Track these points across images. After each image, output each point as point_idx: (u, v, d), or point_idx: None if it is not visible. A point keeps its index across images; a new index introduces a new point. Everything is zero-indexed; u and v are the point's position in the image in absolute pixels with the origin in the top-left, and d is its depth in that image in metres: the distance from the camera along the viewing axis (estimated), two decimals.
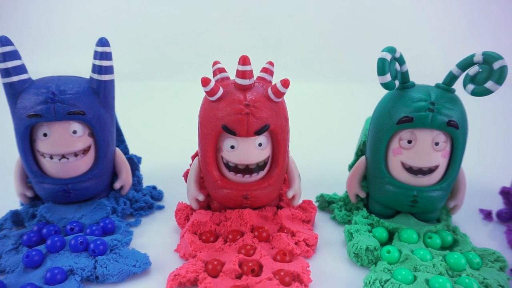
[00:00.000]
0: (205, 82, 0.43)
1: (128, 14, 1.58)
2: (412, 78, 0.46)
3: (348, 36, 1.48)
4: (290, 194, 0.51)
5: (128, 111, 1.06)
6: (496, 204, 0.59)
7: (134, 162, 0.58)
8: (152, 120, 1.03)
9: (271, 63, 0.50)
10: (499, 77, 0.41)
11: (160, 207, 0.57)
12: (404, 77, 0.46)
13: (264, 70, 0.49)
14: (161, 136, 0.88)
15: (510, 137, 0.69)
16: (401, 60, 0.45)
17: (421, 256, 0.42)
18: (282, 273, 0.39)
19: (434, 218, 0.50)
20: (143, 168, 0.63)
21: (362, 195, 0.53)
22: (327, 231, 0.52)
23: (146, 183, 0.62)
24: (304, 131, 0.92)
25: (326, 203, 0.57)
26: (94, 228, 0.47)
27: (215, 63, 0.50)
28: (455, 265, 0.42)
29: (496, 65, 0.41)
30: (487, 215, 0.56)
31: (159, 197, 0.60)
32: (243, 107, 0.43)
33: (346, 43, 1.47)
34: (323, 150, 0.78)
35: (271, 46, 1.48)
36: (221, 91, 0.44)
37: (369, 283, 0.39)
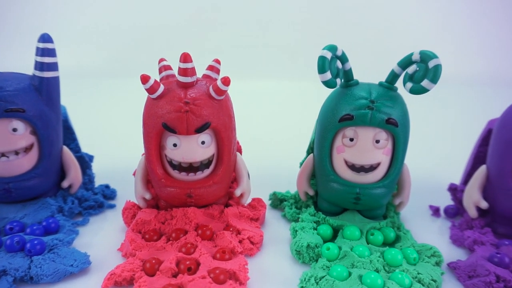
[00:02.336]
0: (144, 79, 0.43)
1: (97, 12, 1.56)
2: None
3: (309, 34, 1.48)
4: (238, 192, 0.51)
5: (84, 109, 1.06)
6: (447, 201, 0.60)
7: (85, 161, 0.58)
8: (109, 118, 1.02)
9: (217, 61, 0.50)
10: (434, 75, 0.42)
11: (111, 206, 0.57)
12: (347, 75, 0.47)
13: (210, 68, 0.49)
14: (118, 134, 0.87)
15: (460, 135, 0.71)
16: (343, 58, 0.46)
17: (359, 253, 0.43)
18: (217, 271, 0.39)
19: (380, 215, 0.51)
20: (97, 166, 0.62)
21: (311, 192, 0.53)
22: (277, 229, 0.53)
23: (100, 181, 0.61)
24: (259, 128, 0.93)
25: (278, 201, 0.57)
26: (35, 227, 0.46)
27: (161, 60, 0.49)
28: (392, 261, 0.42)
29: (431, 64, 0.42)
30: (435, 211, 0.57)
31: (112, 196, 0.59)
32: (182, 105, 0.43)
33: (300, 41, 1.47)
34: (278, 148, 0.78)
35: (241, 47, 1.48)
36: (161, 88, 0.44)
37: (305, 280, 0.40)
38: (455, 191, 0.58)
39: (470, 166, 0.56)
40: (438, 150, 0.84)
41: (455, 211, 0.56)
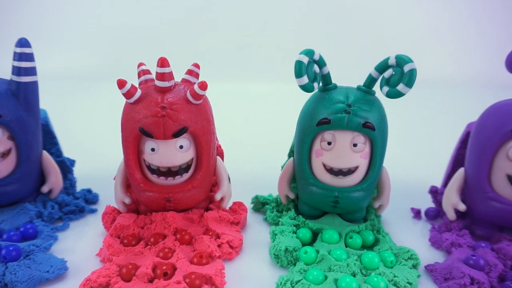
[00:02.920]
0: (120, 84, 0.43)
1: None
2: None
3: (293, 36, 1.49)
4: (218, 196, 0.51)
5: (67, 113, 1.05)
6: (428, 203, 0.60)
7: (66, 165, 0.57)
8: (94, 122, 1.02)
9: (196, 65, 0.50)
10: (409, 80, 0.42)
11: (93, 211, 0.56)
12: (325, 79, 0.47)
13: (189, 72, 0.49)
14: (101, 138, 0.87)
15: (442, 138, 0.71)
16: (321, 63, 0.46)
17: (337, 256, 0.43)
18: (193, 276, 0.39)
19: (360, 218, 0.51)
20: (80, 171, 0.62)
21: (292, 196, 0.53)
22: (258, 233, 0.53)
23: (83, 186, 0.61)
24: (243, 131, 0.94)
25: (261, 204, 0.57)
26: (12, 233, 0.46)
27: (140, 64, 0.49)
28: (369, 264, 0.42)
29: (407, 68, 0.42)
30: (416, 213, 0.58)
31: (94, 200, 0.59)
32: (159, 110, 0.43)
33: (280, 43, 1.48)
34: (262, 151, 0.78)
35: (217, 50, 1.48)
36: (138, 93, 0.44)
37: (281, 284, 0.40)
38: (436, 193, 0.58)
39: (450, 168, 0.57)
40: (421, 152, 0.84)
41: (436, 214, 0.56)
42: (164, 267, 0.40)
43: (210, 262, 0.43)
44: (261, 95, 1.28)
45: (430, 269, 0.44)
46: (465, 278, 0.40)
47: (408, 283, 0.41)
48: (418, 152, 0.84)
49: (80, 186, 0.61)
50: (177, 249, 0.44)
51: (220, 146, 0.58)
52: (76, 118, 1.05)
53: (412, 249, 0.45)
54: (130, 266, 0.41)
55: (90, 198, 0.58)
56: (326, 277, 0.40)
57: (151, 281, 0.40)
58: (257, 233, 0.52)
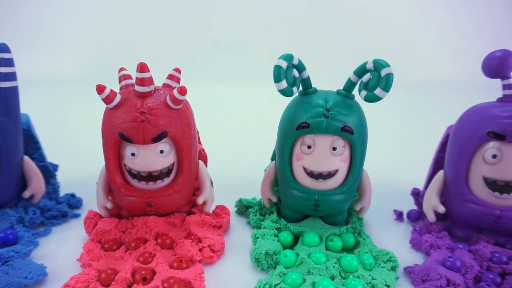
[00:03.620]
0: (99, 89, 0.43)
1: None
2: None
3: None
4: (200, 200, 0.51)
5: (51, 118, 1.05)
6: (411, 205, 0.61)
7: (49, 170, 0.57)
8: (77, 126, 1.01)
9: (177, 70, 0.50)
10: (386, 84, 0.43)
11: (76, 215, 0.56)
12: (305, 83, 0.47)
13: (170, 77, 0.49)
14: (86, 143, 0.86)
15: (426, 140, 0.73)
16: (300, 67, 0.46)
17: (316, 260, 0.43)
18: (171, 281, 0.39)
19: (342, 221, 0.52)
20: (64, 175, 0.62)
21: (274, 199, 0.54)
22: (241, 236, 0.53)
23: (66, 191, 0.61)
24: (227, 135, 0.94)
25: (244, 208, 0.57)
26: None
27: (121, 69, 0.49)
28: (348, 266, 0.43)
29: (383, 72, 0.43)
30: (399, 215, 0.58)
31: (78, 205, 0.59)
32: (138, 115, 0.43)
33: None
34: (246, 154, 0.79)
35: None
36: (118, 98, 0.44)
37: (260, 287, 0.40)
38: (418, 195, 0.59)
39: (431, 171, 0.57)
40: (404, 155, 0.85)
41: (417, 216, 0.57)
42: (143, 272, 0.40)
43: (190, 266, 0.43)
44: (245, 98, 1.29)
45: (409, 271, 0.45)
46: (442, 279, 0.41)
47: (386, 285, 0.41)
48: (402, 154, 0.85)
49: (64, 191, 0.61)
50: (158, 254, 0.44)
51: (203, 150, 0.58)
52: (61, 123, 1.04)
53: (391, 252, 0.46)
54: (109, 271, 0.41)
55: (73, 203, 0.58)
56: (304, 280, 0.40)
57: (130, 286, 0.40)
58: (240, 237, 0.53)
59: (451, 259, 0.43)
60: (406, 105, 1.26)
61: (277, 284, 0.40)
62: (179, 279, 0.39)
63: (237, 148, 0.84)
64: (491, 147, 0.45)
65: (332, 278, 0.42)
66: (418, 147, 0.90)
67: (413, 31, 1.53)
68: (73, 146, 0.83)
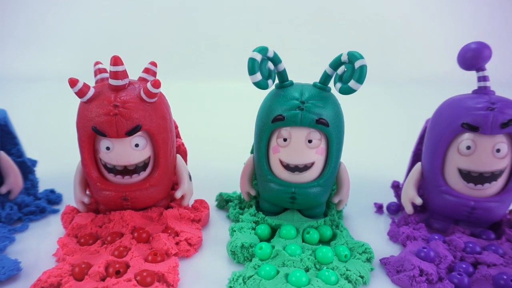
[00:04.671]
0: (72, 82, 0.42)
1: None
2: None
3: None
4: (178, 194, 0.51)
5: (31, 114, 1.04)
6: (391, 198, 0.61)
7: (27, 166, 0.57)
8: (59, 122, 1.01)
9: (153, 63, 0.50)
10: (359, 76, 0.43)
11: (55, 211, 0.56)
12: (281, 76, 0.47)
13: (146, 70, 0.49)
14: (66, 138, 0.86)
15: (406, 134, 0.73)
16: (276, 60, 0.46)
17: (291, 252, 0.43)
18: (144, 274, 0.39)
19: (320, 214, 0.52)
20: (43, 171, 0.62)
21: (253, 193, 0.54)
22: (220, 230, 0.53)
23: (46, 186, 0.60)
24: (208, 129, 0.94)
25: (224, 202, 0.57)
26: None
27: (96, 63, 0.49)
28: (323, 258, 0.43)
29: (357, 64, 0.43)
30: (379, 208, 0.58)
31: (57, 201, 0.58)
32: (111, 108, 0.43)
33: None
34: (227, 148, 0.79)
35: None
36: (91, 92, 0.43)
37: (233, 280, 0.40)
38: (398, 188, 0.59)
39: (410, 164, 0.58)
40: (385, 148, 0.85)
41: (397, 208, 0.57)
42: (117, 266, 0.40)
43: (165, 259, 0.43)
44: (225, 93, 1.29)
45: (384, 262, 0.45)
46: (415, 270, 0.41)
47: (360, 276, 0.41)
48: (383, 148, 0.85)
49: (44, 187, 0.60)
50: (133, 248, 0.44)
51: (183, 145, 0.58)
52: (41, 119, 1.03)
53: (367, 243, 0.46)
54: (83, 265, 0.41)
55: (53, 198, 0.58)
56: (278, 272, 0.41)
57: (103, 279, 0.40)
58: (219, 230, 0.53)
59: (425, 249, 0.43)
60: (387, 99, 1.27)
61: (251, 276, 0.40)
62: (152, 272, 0.39)
63: (218, 142, 0.84)
64: (465, 138, 0.46)
65: (307, 270, 0.42)
66: (400, 140, 0.90)
67: (396, 27, 1.54)
68: (55, 142, 0.82)
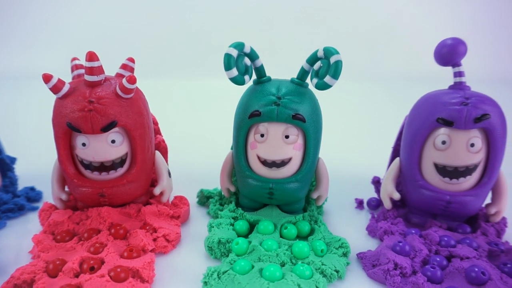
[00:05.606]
0: (46, 78, 0.42)
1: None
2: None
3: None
4: (157, 190, 0.51)
5: (10, 111, 1.03)
6: (372, 193, 0.61)
7: (6, 163, 0.56)
8: (40, 119, 1.00)
9: (131, 60, 0.50)
10: (335, 71, 0.43)
11: (34, 208, 0.55)
12: (259, 72, 0.47)
13: (123, 66, 0.49)
14: (46, 136, 0.85)
15: (388, 130, 0.73)
16: (253, 56, 0.46)
17: (268, 247, 0.43)
18: (118, 269, 0.39)
19: (299, 209, 0.52)
20: (24, 169, 0.61)
21: (232, 189, 0.54)
22: (200, 226, 0.53)
23: (26, 184, 0.60)
24: (193, 126, 0.94)
25: (205, 198, 0.57)
26: None
27: (73, 59, 0.49)
28: (299, 253, 0.43)
29: (332, 60, 0.43)
30: (359, 203, 0.59)
31: (37, 198, 0.58)
32: (86, 104, 0.42)
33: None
34: (209, 144, 0.79)
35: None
36: (66, 87, 0.43)
37: (208, 275, 0.40)
38: (378, 183, 0.59)
39: (390, 159, 0.58)
40: (368, 144, 0.86)
41: (377, 203, 0.57)
42: (92, 262, 0.40)
43: (141, 255, 0.43)
44: (207, 90, 1.29)
45: (361, 257, 0.45)
46: (390, 263, 0.41)
47: (335, 271, 0.41)
48: (365, 144, 0.86)
49: (25, 184, 0.60)
50: (109, 244, 0.44)
51: (163, 141, 0.58)
52: (21, 116, 1.02)
53: (344, 238, 0.46)
54: (57, 262, 0.40)
55: (33, 196, 0.57)
56: (253, 267, 0.41)
57: (77, 276, 0.39)
58: (199, 227, 0.53)
59: (400, 243, 0.44)
60: (369, 95, 1.28)
61: (226, 271, 0.40)
62: (126, 268, 0.39)
63: (200, 139, 0.84)
64: (441, 133, 0.46)
65: (283, 265, 0.42)
66: (382, 136, 0.91)
67: (381, 25, 1.55)
68: (36, 139, 0.81)
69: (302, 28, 1.52)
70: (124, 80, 0.43)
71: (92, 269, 0.39)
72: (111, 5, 1.52)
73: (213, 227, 0.48)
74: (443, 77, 0.50)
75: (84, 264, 0.40)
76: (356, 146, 0.83)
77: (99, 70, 0.44)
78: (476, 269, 0.39)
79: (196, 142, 0.82)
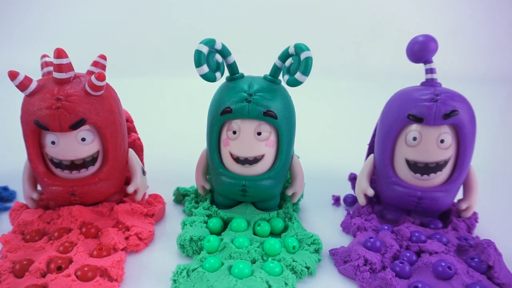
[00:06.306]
0: (12, 75, 0.41)
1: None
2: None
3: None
4: (131, 189, 0.50)
5: None
6: (350, 190, 0.62)
7: None
8: (13, 118, 0.99)
9: (102, 57, 0.49)
10: (305, 68, 0.43)
11: (7, 208, 0.55)
12: (231, 68, 0.47)
13: (94, 63, 0.48)
14: (20, 135, 0.85)
15: (366, 127, 0.74)
16: (224, 52, 0.46)
17: (239, 244, 0.43)
18: (85, 269, 0.38)
19: (274, 206, 0.52)
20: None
21: (207, 186, 0.53)
22: (175, 224, 0.52)
23: (1, 183, 0.59)
24: (169, 124, 0.93)
25: (181, 196, 0.57)
26: None
27: (43, 56, 0.48)
28: (270, 250, 0.43)
29: (303, 56, 0.43)
30: (336, 200, 0.59)
31: (11, 198, 0.57)
32: (54, 101, 0.42)
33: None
34: (186, 143, 0.78)
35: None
36: (33, 85, 0.42)
37: (177, 273, 0.40)
38: (354, 180, 0.60)
39: (366, 156, 0.58)
40: (345, 141, 0.87)
41: (353, 200, 0.57)
42: (59, 261, 0.40)
43: (112, 254, 0.42)
44: (183, 88, 1.28)
45: (333, 253, 0.45)
46: (360, 259, 0.41)
47: (305, 267, 0.42)
48: (342, 140, 0.87)
49: None
50: (79, 243, 0.43)
51: (138, 139, 0.57)
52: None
53: (316, 235, 0.46)
54: (24, 262, 0.40)
55: (6, 195, 0.57)
56: (223, 264, 0.40)
57: (44, 276, 0.39)
58: (174, 225, 0.52)
59: (371, 239, 0.44)
60: (347, 92, 1.30)
61: (195, 269, 0.40)
62: (94, 267, 0.39)
63: (176, 137, 0.84)
64: (412, 130, 0.46)
65: (254, 262, 0.42)
66: (359, 133, 0.92)
67: (357, 23, 1.56)
68: (9, 139, 0.80)
69: (287, 26, 1.52)
70: (93, 77, 0.43)
71: (59, 269, 0.39)
72: (86, 2, 1.51)
73: (186, 225, 0.48)
74: (421, 75, 0.51)
75: (51, 263, 0.39)
76: (334, 143, 0.84)
77: (68, 67, 0.43)
78: (443, 264, 0.39)
79: (174, 139, 0.81)
